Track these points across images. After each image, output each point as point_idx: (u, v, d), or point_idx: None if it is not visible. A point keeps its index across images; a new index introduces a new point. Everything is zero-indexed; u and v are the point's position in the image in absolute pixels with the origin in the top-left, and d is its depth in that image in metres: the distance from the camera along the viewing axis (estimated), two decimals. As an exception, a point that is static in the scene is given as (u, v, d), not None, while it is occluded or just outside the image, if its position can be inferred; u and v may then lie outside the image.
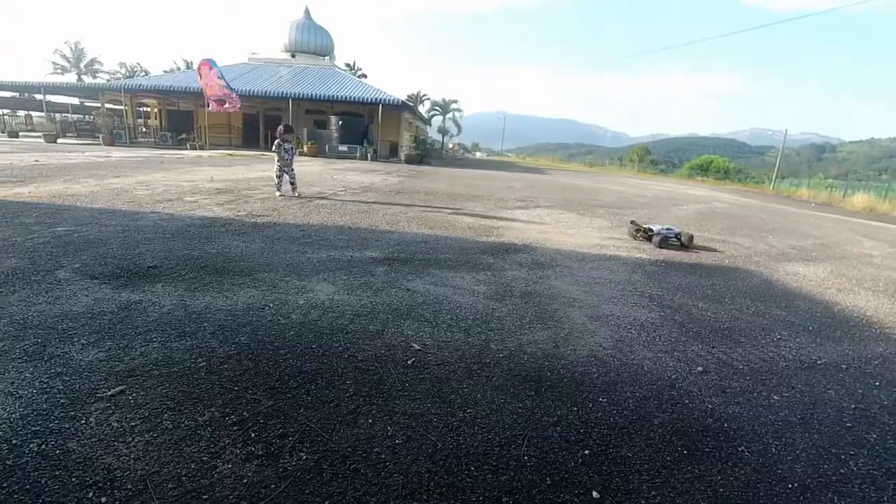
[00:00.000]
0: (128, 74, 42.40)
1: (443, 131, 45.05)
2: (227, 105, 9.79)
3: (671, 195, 17.17)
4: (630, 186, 19.74)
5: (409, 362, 2.30)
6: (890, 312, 4.13)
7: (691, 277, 4.57)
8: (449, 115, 44.45)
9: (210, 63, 10.10)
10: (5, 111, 36.71)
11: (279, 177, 7.92)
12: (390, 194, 9.27)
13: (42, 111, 32.77)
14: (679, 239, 6.12)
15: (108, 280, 3.14)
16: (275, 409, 1.85)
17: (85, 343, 2.27)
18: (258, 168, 13.85)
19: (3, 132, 29.43)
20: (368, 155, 23.50)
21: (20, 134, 28.92)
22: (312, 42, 32.39)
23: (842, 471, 1.80)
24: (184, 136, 25.13)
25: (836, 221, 13.75)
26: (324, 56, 32.81)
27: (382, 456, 1.64)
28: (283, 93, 25.33)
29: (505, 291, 3.51)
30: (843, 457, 1.89)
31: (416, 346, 2.47)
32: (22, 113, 36.29)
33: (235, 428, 1.73)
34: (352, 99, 25.00)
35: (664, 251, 5.72)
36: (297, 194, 7.91)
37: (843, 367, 2.81)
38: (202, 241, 4.37)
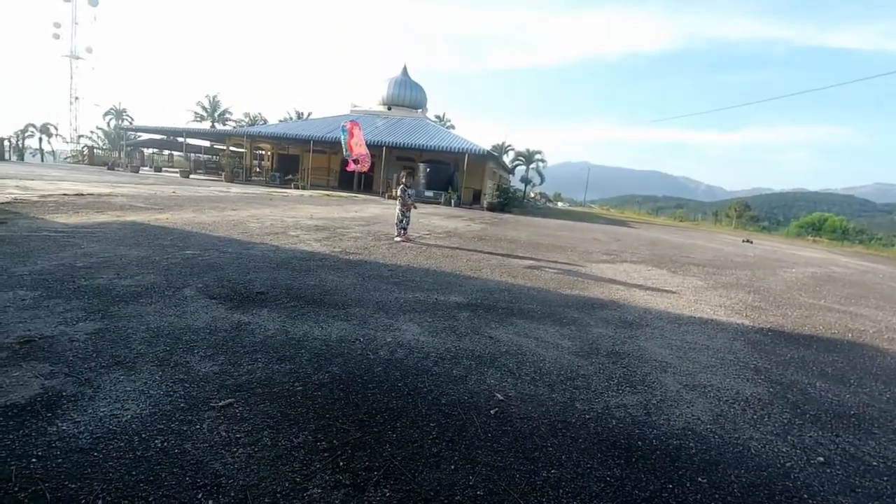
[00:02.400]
0: (250, 123, 48.74)
1: (525, 181, 45.50)
2: (360, 165, 10.73)
3: (777, 255, 15.53)
4: (727, 244, 18.20)
5: (491, 412, 2.28)
6: None
7: (805, 351, 4.05)
8: (532, 166, 44.96)
9: (358, 123, 11.28)
10: (154, 150, 43.76)
11: (401, 221, 8.28)
12: (473, 240, 9.45)
13: (181, 151, 38.62)
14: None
15: (224, 301, 3.53)
16: (362, 441, 1.92)
17: (203, 355, 2.55)
18: (351, 209, 14.96)
19: (151, 167, 34.99)
20: (452, 201, 24.33)
21: (163, 169, 34.18)
22: (407, 96, 35.05)
23: None
24: (289, 176, 27.96)
25: None
26: (417, 109, 35.27)
27: (464, 505, 1.62)
28: (377, 141, 27.42)
29: (591, 349, 3.37)
30: None
31: (499, 395, 2.44)
32: (167, 152, 42.96)
33: (326, 454, 1.81)
34: (439, 148, 26.37)
35: (770, 319, 5.15)
36: (406, 238, 8.15)
37: None
38: (302, 273, 4.77)
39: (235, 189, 20.49)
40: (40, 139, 37.41)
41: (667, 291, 6.13)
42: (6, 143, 31.37)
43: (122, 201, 9.79)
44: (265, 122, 49.24)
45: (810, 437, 2.43)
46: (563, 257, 8.31)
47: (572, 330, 3.75)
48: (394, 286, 4.61)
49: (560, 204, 58.92)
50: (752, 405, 2.73)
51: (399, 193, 8.54)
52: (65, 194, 10.01)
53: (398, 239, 8.03)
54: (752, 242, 23.54)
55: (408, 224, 8.41)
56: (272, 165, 35.84)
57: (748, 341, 4.13)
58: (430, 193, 24.92)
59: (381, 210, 15.40)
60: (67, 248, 4.73)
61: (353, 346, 2.90)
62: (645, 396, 2.66)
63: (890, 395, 3.19)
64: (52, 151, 43.52)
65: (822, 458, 2.23)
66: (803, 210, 51.88)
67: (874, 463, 2.25)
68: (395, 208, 8.84)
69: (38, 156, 37.70)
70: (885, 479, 2.12)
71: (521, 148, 47.72)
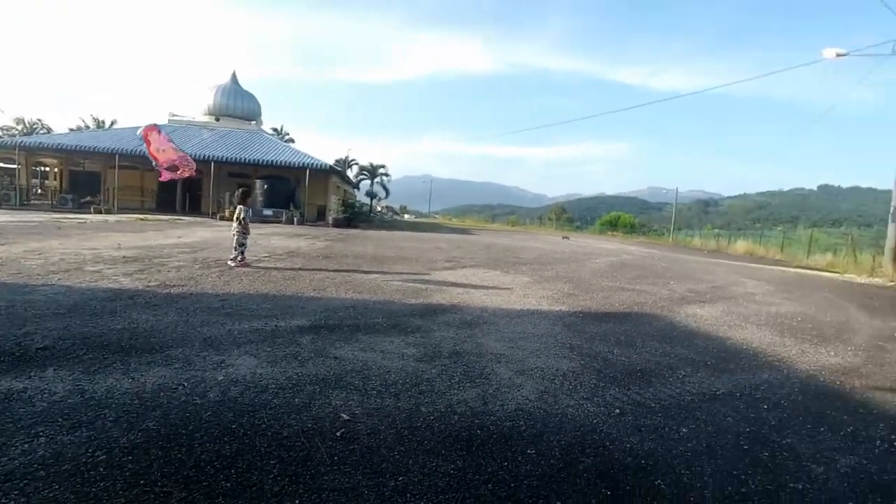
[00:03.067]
0: (26, 131, 38.81)
1: (371, 195, 45.77)
2: (179, 171, 9.25)
3: (586, 250, 18.61)
4: (549, 244, 21.11)
5: (337, 434, 2.23)
6: (772, 343, 4.81)
7: (606, 325, 4.98)
8: (377, 180, 45.49)
9: (157, 127, 9.63)
10: None
11: (242, 244, 7.47)
12: (317, 259, 9.13)
13: None
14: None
15: (-15, 367, 2.75)
16: (188, 500, 1.70)
17: (-52, 446, 1.95)
18: (174, 234, 13.06)
19: None
20: (294, 219, 23.11)
21: None
22: (238, 106, 32.22)
23: (742, 490, 2.00)
24: (88, 198, 23.13)
25: (723, 266, 15.65)
26: (250, 120, 32.64)
27: (309, 539, 1.56)
28: (205, 155, 24.54)
29: (434, 353, 3.56)
30: (742, 477, 2.12)
31: (345, 416, 2.41)
32: None
33: (140, 527, 1.56)
34: (278, 163, 24.89)
35: (581, 303, 6.15)
36: (243, 263, 7.42)
37: (738, 395, 3.18)
38: (105, 316, 3.99)
39: (3, 217, 16.09)
40: None
41: (501, 289, 6.83)
42: None
43: None
44: (48, 130, 39.83)
45: (610, 395, 2.98)
46: (409, 268, 8.60)
47: (416, 337, 3.91)
48: (225, 318, 4.18)
49: (406, 216, 60.82)
50: (568, 378, 3.22)
51: (238, 214, 7.79)
52: None
53: (232, 264, 7.30)
54: (569, 239, 27.68)
55: (245, 248, 7.71)
56: (61, 186, 29.13)
57: (565, 324, 4.87)
58: (268, 212, 23.24)
59: (210, 234, 13.78)
60: None
61: (174, 394, 2.54)
62: (483, 388, 2.92)
63: (662, 350, 4.13)
64: None
65: (618, 410, 2.75)
66: (604, 210, 63.45)
67: (653, 405, 2.87)
68: (230, 230, 8.04)
69: None
70: (660, 415, 2.73)
71: (366, 162, 48.00)
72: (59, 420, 2.20)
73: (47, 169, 30.82)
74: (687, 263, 15.48)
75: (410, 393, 2.77)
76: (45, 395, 2.43)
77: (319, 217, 27.37)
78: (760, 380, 3.55)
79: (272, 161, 24.82)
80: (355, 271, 7.73)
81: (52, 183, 30.66)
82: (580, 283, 8.20)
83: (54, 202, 24.50)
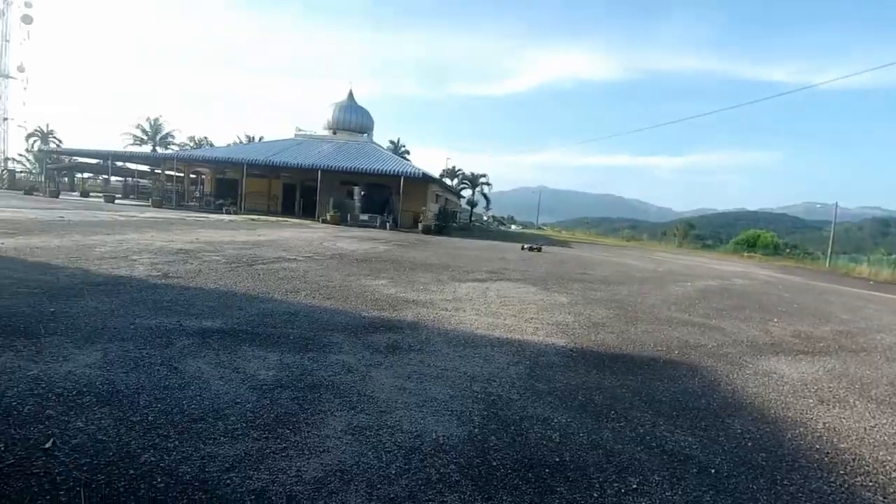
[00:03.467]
0: (195, 146, 47.31)
1: (471, 203, 45.84)
2: None
3: (689, 270, 15.79)
4: (650, 261, 18.45)
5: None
6: (886, 443, 2.94)
7: (596, 375, 3.68)
8: (477, 189, 45.42)
9: None
10: (90, 174, 41.67)
11: None
12: (351, 263, 8.98)
13: (118, 176, 36.90)
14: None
15: None
16: None
17: None
18: (262, 232, 14.26)
19: (79, 192, 33.10)
20: (387, 224, 23.93)
21: (91, 194, 32.38)
22: (353, 120, 34.92)
23: None
24: (220, 201, 26.95)
25: (884, 303, 11.89)
26: (362, 133, 35.13)
27: None
28: (316, 165, 26.91)
29: (294, 381, 2.86)
30: None
31: (48, 444, 1.91)
32: (101, 177, 40.91)
33: None
34: (377, 171, 26.12)
35: (598, 338, 4.86)
36: None
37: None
38: (60, 299, 4.14)
39: (152, 214, 19.43)
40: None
41: (507, 311, 5.79)
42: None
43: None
44: (211, 145, 47.98)
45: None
46: (431, 277, 7.93)
47: (304, 358, 3.26)
48: (153, 312, 4.05)
49: (514, 227, 59.66)
50: (427, 459, 2.30)
51: None
52: None
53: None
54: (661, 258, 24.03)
55: None
56: (211, 190, 34.64)
57: (532, 365, 3.75)
58: (365, 217, 24.46)
59: (291, 234, 14.78)
60: None
61: (-59, 388, 2.32)
62: (258, 445, 2.18)
63: (645, 431, 2.75)
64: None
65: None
66: (744, 228, 54.54)
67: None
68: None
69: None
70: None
71: (477, 171, 48.35)
72: None
73: (204, 177, 36.89)
74: (824, 295, 12.11)
75: (159, 432, 2.16)
76: None
77: (415, 223, 28.05)
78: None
79: (371, 169, 26.14)
80: (368, 275, 7.34)
81: (207, 188, 36.58)
82: (629, 311, 6.67)
83: (201, 204, 29.07)
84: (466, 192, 45.32)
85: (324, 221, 24.19)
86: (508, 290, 7.41)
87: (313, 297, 5.29)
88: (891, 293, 15.78)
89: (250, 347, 3.36)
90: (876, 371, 4.80)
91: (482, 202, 46.09)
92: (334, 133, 34.85)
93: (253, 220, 20.98)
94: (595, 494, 2.02)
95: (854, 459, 2.68)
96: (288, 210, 31.83)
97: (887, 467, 2.63)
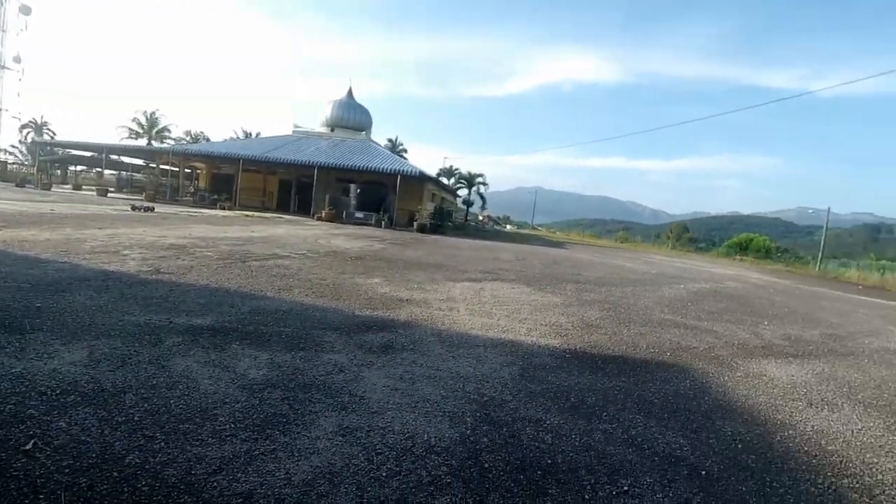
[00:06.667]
0: (191, 141, 46.91)
1: (467, 203, 45.86)
2: None
3: (681, 273, 15.85)
4: (643, 263, 18.50)
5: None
6: (872, 445, 2.98)
7: (589, 376, 3.68)
8: (474, 188, 45.43)
9: None
10: (82, 168, 41.25)
11: None
12: (345, 261, 8.92)
13: (113, 170, 36.52)
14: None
15: None
16: None
17: None
18: (256, 228, 14.15)
19: (72, 184, 32.76)
20: (382, 223, 23.84)
21: (83, 187, 32.04)
22: (351, 118, 34.77)
23: None
24: (216, 196, 26.76)
25: (873, 308, 12.02)
26: (361, 131, 35.00)
27: None
28: (312, 161, 26.78)
29: (284, 380, 2.83)
30: None
31: (29, 446, 1.87)
32: (95, 170, 40.51)
33: None
34: (373, 169, 26.02)
35: (591, 339, 4.85)
36: None
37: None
38: (47, 294, 4.07)
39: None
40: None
41: (501, 311, 5.78)
42: None
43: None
44: (207, 140, 47.60)
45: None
46: (424, 276, 7.90)
47: (291, 357, 3.23)
48: (145, 307, 3.99)
49: (508, 227, 59.67)
50: (422, 461, 2.28)
51: None
52: None
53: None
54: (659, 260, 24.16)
55: None
56: (206, 185, 34.38)
57: (525, 366, 3.74)
58: (360, 215, 24.36)
59: (285, 230, 14.67)
60: None
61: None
62: (247, 446, 2.15)
63: (637, 432, 2.75)
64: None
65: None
66: (737, 232, 54.81)
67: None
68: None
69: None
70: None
71: (473, 171, 48.32)
72: None
73: (198, 171, 36.60)
74: (814, 299, 12.21)
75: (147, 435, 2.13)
76: None
77: (410, 222, 27.99)
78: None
79: (367, 167, 26.04)
80: (362, 274, 7.30)
81: (200, 183, 36.31)
82: (622, 312, 6.68)
83: (195, 199, 28.82)
84: (463, 192, 45.33)
85: (319, 219, 24.07)
86: (503, 290, 7.39)
87: (306, 295, 5.24)
88: (879, 298, 15.96)
89: (241, 346, 3.32)
90: (864, 374, 4.86)
91: (478, 202, 46.18)
92: (332, 130, 34.70)
93: (247, 216, 20.83)
94: (587, 496, 2.02)
95: (842, 461, 2.71)
96: (283, 206, 31.63)
97: (874, 469, 2.65)
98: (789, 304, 10.50)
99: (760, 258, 34.65)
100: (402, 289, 6.42)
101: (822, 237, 31.26)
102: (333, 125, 34.96)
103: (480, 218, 52.77)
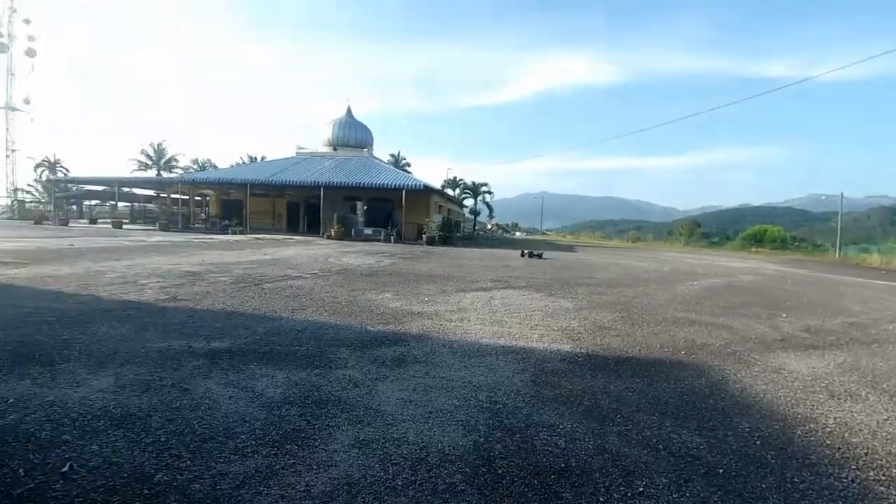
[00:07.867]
0: (199, 169, 47.97)
1: (474, 212, 46.06)
2: None
3: (694, 269, 15.70)
4: (655, 262, 18.37)
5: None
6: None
7: (602, 379, 3.69)
8: (479, 198, 45.64)
9: None
10: (97, 201, 42.35)
11: None
12: (356, 278, 9.05)
13: (125, 202, 37.47)
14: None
15: None
16: None
17: None
18: (267, 251, 14.39)
19: (88, 219, 33.64)
20: (391, 237, 24.05)
21: (99, 220, 32.87)
22: (352, 136, 35.36)
23: None
24: (226, 221, 27.25)
25: None
26: (363, 148, 35.52)
27: None
28: (318, 182, 27.20)
29: (303, 398, 2.91)
30: None
31: (66, 468, 1.97)
32: (109, 203, 41.57)
33: None
34: (378, 185, 26.34)
35: (604, 342, 4.87)
36: None
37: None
38: (70, 326, 4.23)
39: (159, 237, 19.67)
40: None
41: (509, 318, 5.82)
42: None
43: (-27, 258, 9.03)
44: (214, 167, 48.61)
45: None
46: (435, 288, 7.97)
47: (307, 374, 3.32)
48: (166, 335, 4.13)
49: (518, 234, 59.57)
50: (429, 473, 2.34)
51: None
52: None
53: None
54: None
55: None
56: (217, 211, 35.06)
57: (539, 371, 3.78)
58: (368, 231, 24.64)
59: (295, 251, 14.89)
60: None
61: (-34, 418, 2.39)
62: (267, 461, 2.23)
63: (652, 433, 2.78)
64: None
65: None
66: (749, 224, 53.95)
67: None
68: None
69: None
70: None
71: (479, 181, 48.62)
72: None
73: (209, 198, 37.37)
74: (834, 287, 11.99)
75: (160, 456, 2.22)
76: None
77: (418, 236, 28.17)
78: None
79: (373, 184, 26.38)
80: (374, 289, 7.40)
81: (212, 210, 37.01)
82: (634, 313, 6.67)
83: (207, 225, 29.40)
84: (469, 202, 45.59)
85: (328, 237, 24.37)
86: (513, 297, 7.43)
87: (319, 314, 5.35)
88: (902, 283, 15.60)
89: (258, 366, 3.42)
90: (888, 362, 4.74)
91: (485, 211, 46.36)
92: (335, 149, 35.26)
93: (258, 239, 21.18)
94: (601, 499, 2.05)
95: (866, 453, 2.66)
96: (292, 227, 32.09)
97: (855, 443, 2.63)
98: (808, 293, 10.34)
99: (777, 249, 34.11)
100: (413, 302, 6.50)
101: (839, 222, 30.70)
102: (336, 144, 35.55)
103: (489, 227, 52.87)
